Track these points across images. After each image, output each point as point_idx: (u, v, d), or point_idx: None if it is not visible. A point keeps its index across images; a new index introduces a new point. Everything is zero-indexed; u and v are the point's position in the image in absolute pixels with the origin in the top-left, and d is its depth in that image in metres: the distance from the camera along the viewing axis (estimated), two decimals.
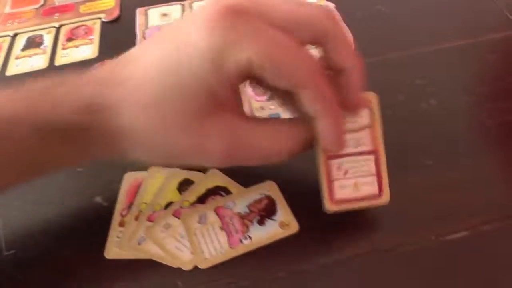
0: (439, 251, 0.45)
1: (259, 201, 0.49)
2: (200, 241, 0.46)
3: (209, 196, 0.50)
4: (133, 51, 0.43)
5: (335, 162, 0.45)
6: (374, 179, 0.45)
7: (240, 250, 0.46)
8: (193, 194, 0.50)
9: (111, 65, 0.40)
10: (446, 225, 0.46)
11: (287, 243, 0.46)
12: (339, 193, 0.45)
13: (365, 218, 0.48)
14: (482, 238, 0.46)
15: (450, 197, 0.49)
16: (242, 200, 0.49)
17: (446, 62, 0.62)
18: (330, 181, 0.45)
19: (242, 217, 0.47)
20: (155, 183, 0.51)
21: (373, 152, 0.43)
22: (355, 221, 0.47)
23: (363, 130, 0.43)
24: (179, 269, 0.45)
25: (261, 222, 0.47)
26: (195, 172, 0.51)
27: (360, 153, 0.43)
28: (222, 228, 0.47)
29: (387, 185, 0.45)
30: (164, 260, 0.45)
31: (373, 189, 0.45)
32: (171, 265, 0.45)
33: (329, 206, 0.45)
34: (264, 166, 0.45)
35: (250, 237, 0.47)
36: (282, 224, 0.47)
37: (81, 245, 0.47)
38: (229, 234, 0.46)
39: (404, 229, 0.46)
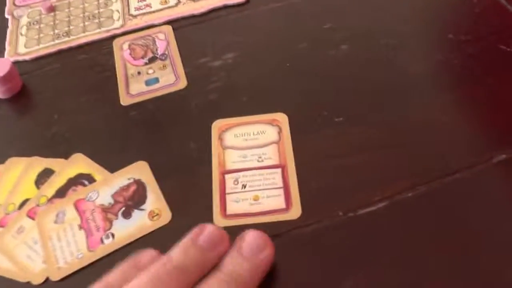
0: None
1: (126, 187, 0.41)
2: (55, 246, 0.38)
3: (70, 187, 0.41)
4: None
5: (231, 176, 0.40)
6: (280, 192, 0.39)
7: (100, 252, 0.39)
8: (51, 186, 0.42)
9: None
10: (357, 196, 0.39)
11: (159, 237, 0.39)
12: (232, 207, 0.39)
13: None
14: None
15: (362, 160, 0.41)
16: (106, 188, 0.41)
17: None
18: (223, 195, 0.39)
19: (105, 210, 0.39)
20: (12, 178, 0.43)
21: (281, 166, 0.40)
22: None
23: (269, 146, 0.42)
24: (28, 284, 0.37)
25: (126, 214, 0.39)
26: (56, 160, 0.43)
27: (264, 167, 0.41)
28: (81, 227, 0.38)
29: (298, 198, 0.39)
30: (11, 274, 0.37)
31: (279, 203, 0.39)
32: (20, 280, 0.38)
33: (218, 221, 0.39)
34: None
35: (112, 235, 0.39)
36: (152, 214, 0.39)
37: None
38: (88, 234, 0.39)
39: (309, 205, 0.39)
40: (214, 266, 0.32)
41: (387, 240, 0.37)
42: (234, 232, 0.35)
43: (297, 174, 0.40)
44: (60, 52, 0.53)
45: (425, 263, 0.35)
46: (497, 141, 0.41)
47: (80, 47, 0.53)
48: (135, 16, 0.54)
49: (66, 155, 0.44)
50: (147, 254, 0.34)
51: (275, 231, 0.37)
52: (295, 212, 0.38)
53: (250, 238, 0.33)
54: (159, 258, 0.32)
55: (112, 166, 0.42)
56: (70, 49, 0.53)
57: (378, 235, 0.37)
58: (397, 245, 0.36)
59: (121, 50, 0.51)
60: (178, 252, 0.32)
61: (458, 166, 0.39)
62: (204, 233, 0.33)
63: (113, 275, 0.32)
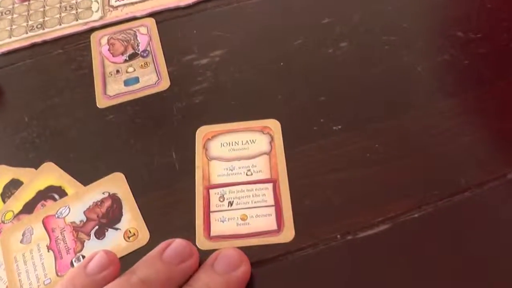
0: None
1: (100, 203, 0.36)
2: (20, 270, 0.34)
3: (39, 201, 0.37)
4: None
5: (216, 192, 0.36)
6: (271, 211, 0.35)
7: None
8: (19, 200, 0.38)
9: None
10: (357, 217, 0.35)
11: (135, 260, 0.33)
12: (218, 228, 0.35)
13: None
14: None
15: (363, 176, 0.37)
16: (78, 203, 0.36)
17: None
18: (207, 213, 0.35)
19: (76, 228, 0.35)
20: None
21: (272, 181, 0.36)
22: None
23: (260, 157, 0.38)
24: None
25: (100, 234, 0.35)
26: (25, 169, 0.38)
27: (254, 182, 0.37)
28: (49, 248, 0.34)
29: (291, 219, 0.35)
30: None
31: (270, 223, 0.35)
32: None
33: (202, 243, 0.35)
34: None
35: (84, 258, 0.34)
36: (128, 234, 0.35)
37: None
38: (57, 256, 0.35)
39: (303, 226, 0.35)
40: (184, 281, 0.31)
41: (389, 267, 0.33)
42: None
43: (290, 191, 0.36)
44: (33, 46, 0.48)
45: None
46: (509, 155, 0.36)
47: (55, 40, 0.48)
48: (115, 8, 0.49)
49: (35, 164, 0.40)
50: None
51: (264, 255, 0.34)
52: (288, 234, 0.34)
53: (225, 253, 0.32)
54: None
55: (86, 177, 0.38)
56: (45, 43, 0.48)
57: (379, 261, 0.33)
58: (400, 272, 0.33)
59: (99, 45, 0.46)
60: (142, 265, 0.31)
61: (468, 184, 0.36)
62: (171, 246, 0.32)
63: None
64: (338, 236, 0.34)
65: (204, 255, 0.33)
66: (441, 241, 0.34)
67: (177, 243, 0.32)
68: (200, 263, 0.32)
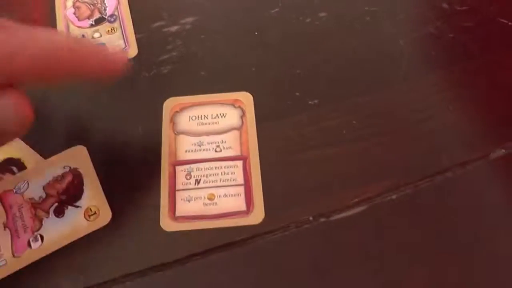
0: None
1: (60, 178, 0.34)
2: None
3: None
4: None
5: (182, 169, 0.34)
6: (241, 190, 0.33)
7: (25, 259, 0.33)
8: None
9: None
10: (331, 198, 0.33)
11: (96, 241, 0.33)
12: (183, 208, 0.33)
13: None
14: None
15: (338, 154, 0.35)
16: (38, 178, 0.34)
17: None
18: (173, 192, 0.33)
19: (35, 205, 0.32)
20: None
21: (242, 158, 0.34)
22: None
23: (230, 132, 0.36)
24: None
25: (59, 212, 0.33)
26: None
27: (223, 159, 0.35)
28: (6, 226, 0.32)
29: (261, 199, 0.33)
30: None
31: (239, 204, 0.33)
32: None
33: (167, 225, 0.33)
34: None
35: (41, 237, 0.33)
36: (89, 213, 0.33)
37: None
38: (14, 235, 0.32)
39: (274, 207, 0.33)
40: None
41: (364, 251, 0.32)
42: (183, 239, 0.31)
43: (261, 169, 0.34)
44: None
45: (407, 279, 0.30)
46: (495, 133, 0.35)
47: None
48: None
49: None
50: None
51: (231, 237, 0.32)
52: (257, 216, 0.32)
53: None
54: None
55: (46, 150, 0.36)
56: None
57: (354, 245, 0.32)
58: (376, 257, 0.31)
59: (64, 8, 0.43)
60: None
61: (450, 163, 0.34)
62: None
63: None
64: (311, 218, 0.33)
65: (169, 237, 0.32)
66: (420, 224, 0.32)
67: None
68: (168, 251, 0.31)
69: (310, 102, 0.37)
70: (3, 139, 0.28)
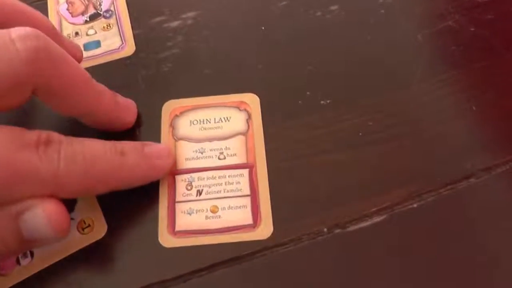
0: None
1: None
2: None
3: None
4: None
5: (183, 178, 0.32)
6: (247, 202, 0.31)
7: (14, 278, 0.31)
8: None
9: None
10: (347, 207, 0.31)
11: (90, 256, 0.31)
12: (183, 222, 0.31)
13: None
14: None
15: (354, 159, 0.33)
16: None
17: None
18: (172, 204, 0.31)
19: None
20: None
21: (248, 166, 0.32)
22: None
23: (235, 138, 0.33)
24: None
25: None
26: None
27: (227, 167, 0.32)
28: None
29: (269, 212, 0.30)
30: None
31: (244, 216, 0.31)
32: None
33: (166, 240, 0.30)
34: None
35: (31, 254, 0.31)
36: (82, 226, 0.32)
37: None
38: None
39: (283, 217, 0.31)
40: None
41: (383, 264, 0.29)
42: (184, 255, 0.29)
43: (269, 177, 0.32)
44: None
45: None
46: None
47: None
48: None
49: None
50: None
51: (238, 251, 0.30)
52: (265, 229, 0.30)
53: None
54: None
55: None
56: None
57: (373, 258, 0.29)
58: (396, 270, 0.29)
59: (57, 4, 0.41)
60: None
61: (473, 169, 0.32)
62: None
63: None
64: (325, 229, 0.30)
65: (168, 253, 0.29)
66: (444, 235, 0.30)
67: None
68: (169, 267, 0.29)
69: (322, 102, 0.35)
70: (39, 244, 0.29)
